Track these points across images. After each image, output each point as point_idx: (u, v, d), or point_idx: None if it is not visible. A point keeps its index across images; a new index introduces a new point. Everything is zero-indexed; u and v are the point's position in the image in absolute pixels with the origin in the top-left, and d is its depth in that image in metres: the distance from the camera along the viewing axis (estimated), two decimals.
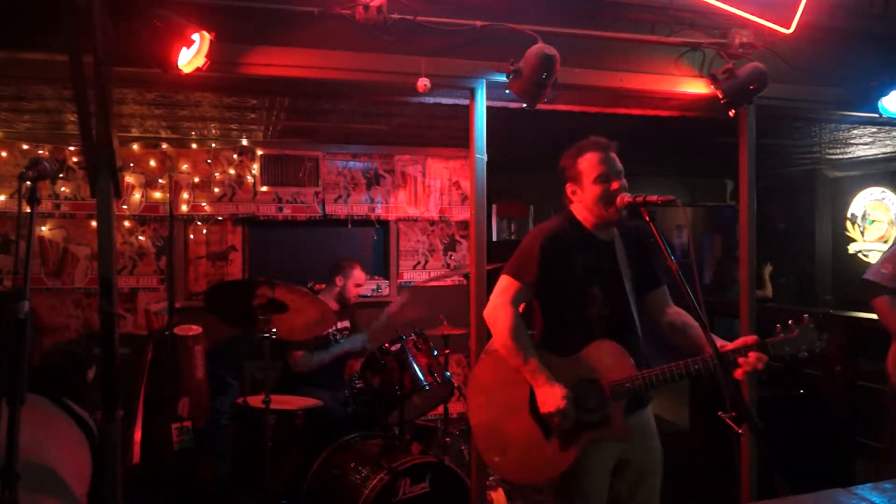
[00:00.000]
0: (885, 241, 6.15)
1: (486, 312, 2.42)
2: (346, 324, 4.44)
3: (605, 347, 2.34)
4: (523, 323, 2.36)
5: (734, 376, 2.14)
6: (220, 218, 4.85)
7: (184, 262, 4.83)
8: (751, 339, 2.21)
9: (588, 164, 2.37)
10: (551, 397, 2.23)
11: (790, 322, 2.20)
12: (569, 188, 2.45)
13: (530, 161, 5.76)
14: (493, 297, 2.42)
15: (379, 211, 5.21)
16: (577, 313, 2.37)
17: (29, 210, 1.64)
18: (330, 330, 4.32)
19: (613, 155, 2.39)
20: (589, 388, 2.30)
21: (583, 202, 2.40)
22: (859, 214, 6.53)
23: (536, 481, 2.41)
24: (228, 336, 4.62)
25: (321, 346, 4.20)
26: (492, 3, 2.93)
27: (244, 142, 4.81)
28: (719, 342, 2.20)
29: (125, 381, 3.74)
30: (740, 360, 2.16)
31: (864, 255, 6.35)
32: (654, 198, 2.23)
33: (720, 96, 3.14)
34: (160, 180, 4.70)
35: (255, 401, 3.54)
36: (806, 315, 2.21)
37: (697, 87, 3.27)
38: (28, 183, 1.67)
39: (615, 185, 2.33)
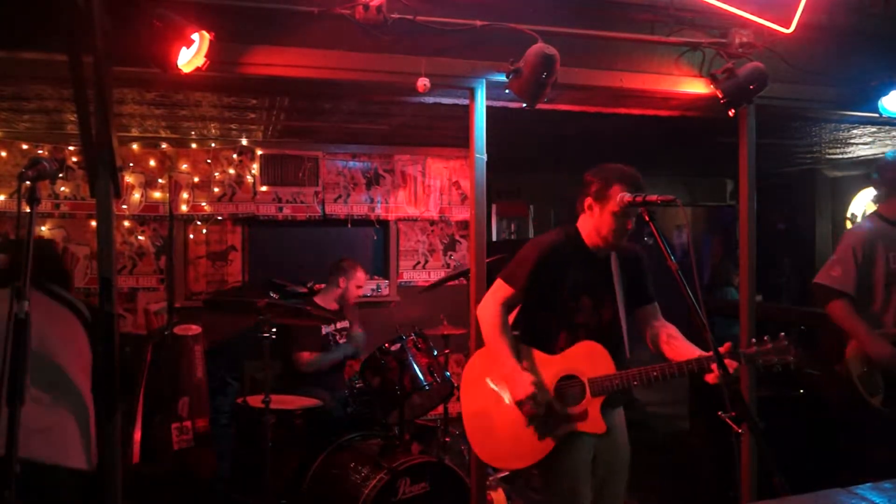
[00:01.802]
0: None
1: (478, 310, 2.62)
2: (346, 324, 4.44)
3: (590, 347, 2.48)
4: (507, 321, 2.54)
5: (705, 380, 2.28)
6: (219, 218, 4.85)
7: (183, 261, 4.83)
8: (723, 348, 2.28)
9: (618, 197, 2.39)
10: (521, 385, 2.39)
11: (765, 337, 2.30)
12: (587, 202, 2.51)
13: (530, 161, 5.76)
14: (485, 296, 2.62)
15: (379, 211, 5.21)
16: (565, 320, 2.52)
17: (29, 210, 1.64)
18: (329, 330, 4.33)
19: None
20: (570, 383, 2.46)
21: (594, 221, 2.49)
22: (859, 214, 6.52)
23: (517, 466, 2.61)
24: (228, 336, 4.62)
25: (323, 347, 4.21)
26: (492, 2, 2.93)
27: (244, 142, 4.81)
28: (696, 351, 2.36)
29: (125, 381, 3.74)
30: (713, 365, 2.23)
31: None
32: (653, 197, 2.26)
33: (720, 96, 3.14)
34: (160, 180, 4.70)
35: (255, 401, 3.54)
36: (782, 333, 2.30)
37: (697, 87, 3.27)
38: (28, 183, 1.67)
39: (630, 225, 2.45)
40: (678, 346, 2.49)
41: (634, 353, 2.59)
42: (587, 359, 2.46)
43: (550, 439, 2.43)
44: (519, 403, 2.41)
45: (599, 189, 2.45)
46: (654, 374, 2.37)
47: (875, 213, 3.45)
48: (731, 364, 2.23)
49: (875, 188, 3.51)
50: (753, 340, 2.32)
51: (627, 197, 2.32)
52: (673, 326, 2.61)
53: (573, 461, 2.46)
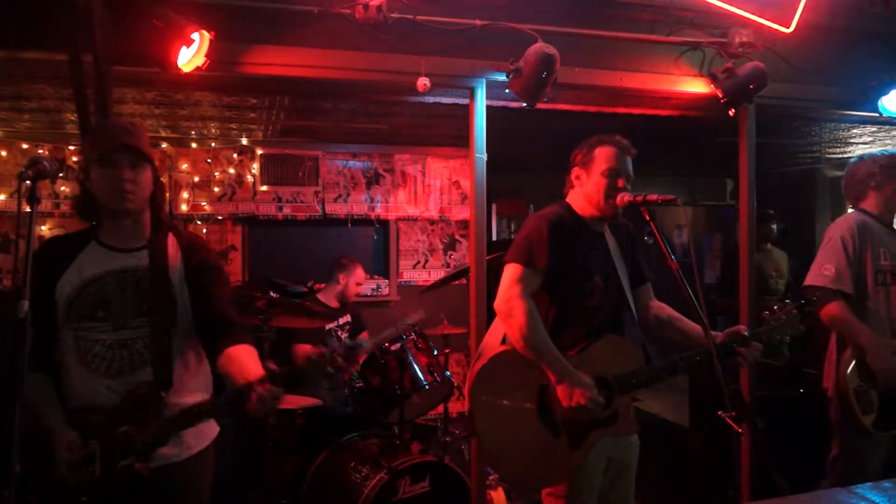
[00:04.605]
0: None
1: (499, 305, 2.28)
2: (348, 318, 4.44)
3: (612, 343, 2.35)
4: (538, 314, 2.26)
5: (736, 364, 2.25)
6: (219, 217, 4.85)
7: None
8: (741, 328, 2.28)
9: (603, 154, 2.37)
10: (581, 386, 2.17)
11: (776, 308, 2.29)
12: (574, 172, 2.44)
13: (530, 161, 5.75)
14: (503, 288, 2.28)
15: (379, 210, 5.21)
16: (579, 303, 2.35)
17: (29, 209, 1.64)
18: (332, 326, 4.32)
19: (629, 158, 2.42)
20: (598, 384, 2.26)
21: (584, 189, 2.40)
22: None
23: (549, 485, 2.31)
24: None
25: (325, 343, 4.20)
26: (492, 2, 2.93)
27: (244, 141, 4.81)
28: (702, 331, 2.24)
29: None
30: (740, 349, 2.23)
31: None
32: (654, 197, 2.24)
33: (720, 95, 3.14)
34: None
35: None
36: (788, 301, 2.30)
37: (697, 87, 3.27)
38: (28, 182, 1.67)
39: (620, 183, 2.35)
40: (690, 329, 2.38)
41: (630, 335, 2.47)
42: (611, 356, 2.30)
43: (583, 449, 2.25)
44: (576, 409, 2.18)
45: (585, 155, 2.41)
46: (683, 363, 2.25)
47: (858, 208, 3.08)
48: (757, 347, 2.23)
49: (847, 197, 3.13)
50: (767, 314, 2.28)
51: (628, 196, 2.30)
52: (667, 306, 2.50)
53: (589, 471, 2.30)
